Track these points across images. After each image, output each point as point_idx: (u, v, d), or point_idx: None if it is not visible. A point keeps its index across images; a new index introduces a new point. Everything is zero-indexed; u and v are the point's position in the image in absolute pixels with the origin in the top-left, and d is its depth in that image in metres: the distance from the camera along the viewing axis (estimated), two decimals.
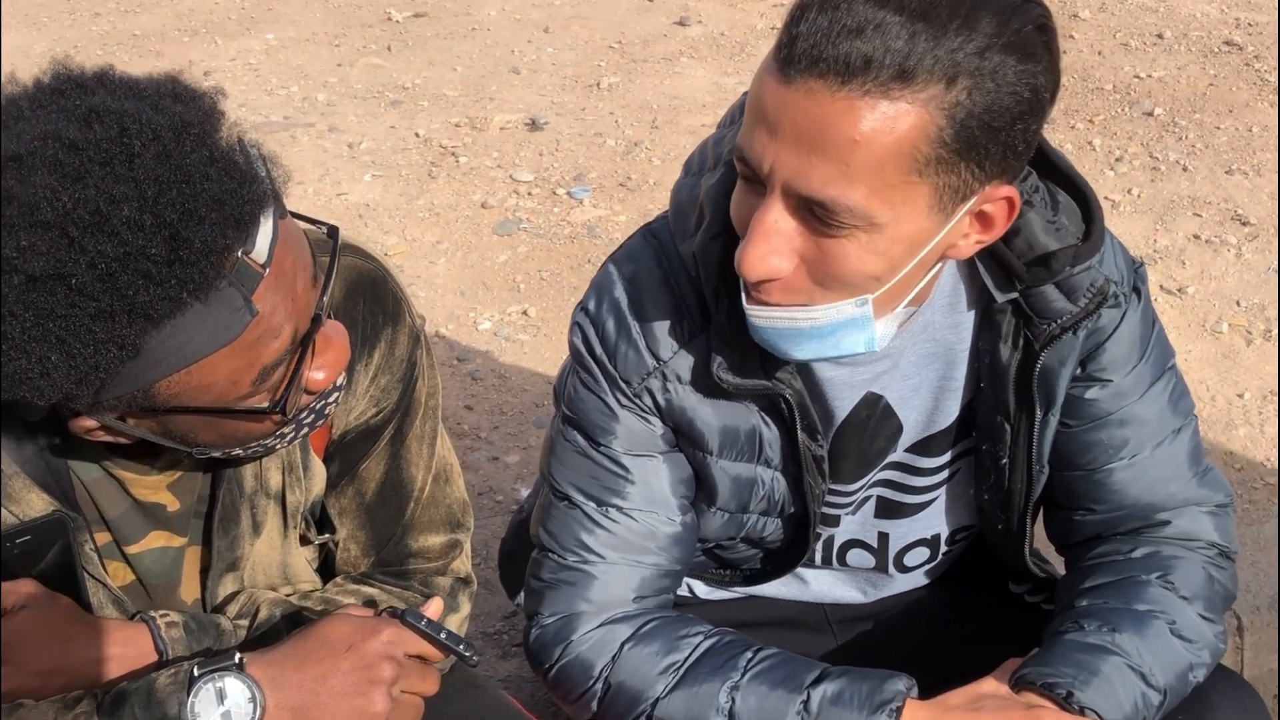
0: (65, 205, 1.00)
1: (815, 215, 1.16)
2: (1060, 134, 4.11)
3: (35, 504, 1.29)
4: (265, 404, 1.16)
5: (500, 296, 3.43)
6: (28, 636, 1.25)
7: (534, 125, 4.26)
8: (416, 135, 4.26)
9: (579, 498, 1.49)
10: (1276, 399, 3.00)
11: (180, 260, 1.02)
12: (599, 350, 1.44)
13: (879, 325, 1.26)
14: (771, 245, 1.18)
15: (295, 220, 1.18)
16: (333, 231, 1.23)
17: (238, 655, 1.25)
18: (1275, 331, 3.21)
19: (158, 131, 1.04)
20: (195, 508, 1.40)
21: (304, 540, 1.50)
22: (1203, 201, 3.75)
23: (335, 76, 4.69)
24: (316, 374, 1.21)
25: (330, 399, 1.27)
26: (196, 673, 1.23)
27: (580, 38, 4.95)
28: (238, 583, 1.44)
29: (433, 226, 3.75)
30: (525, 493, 2.76)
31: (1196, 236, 3.60)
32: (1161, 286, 3.38)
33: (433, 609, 1.36)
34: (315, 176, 4.01)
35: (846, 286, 1.21)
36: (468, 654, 1.32)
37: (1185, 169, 3.91)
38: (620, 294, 1.42)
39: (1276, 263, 3.46)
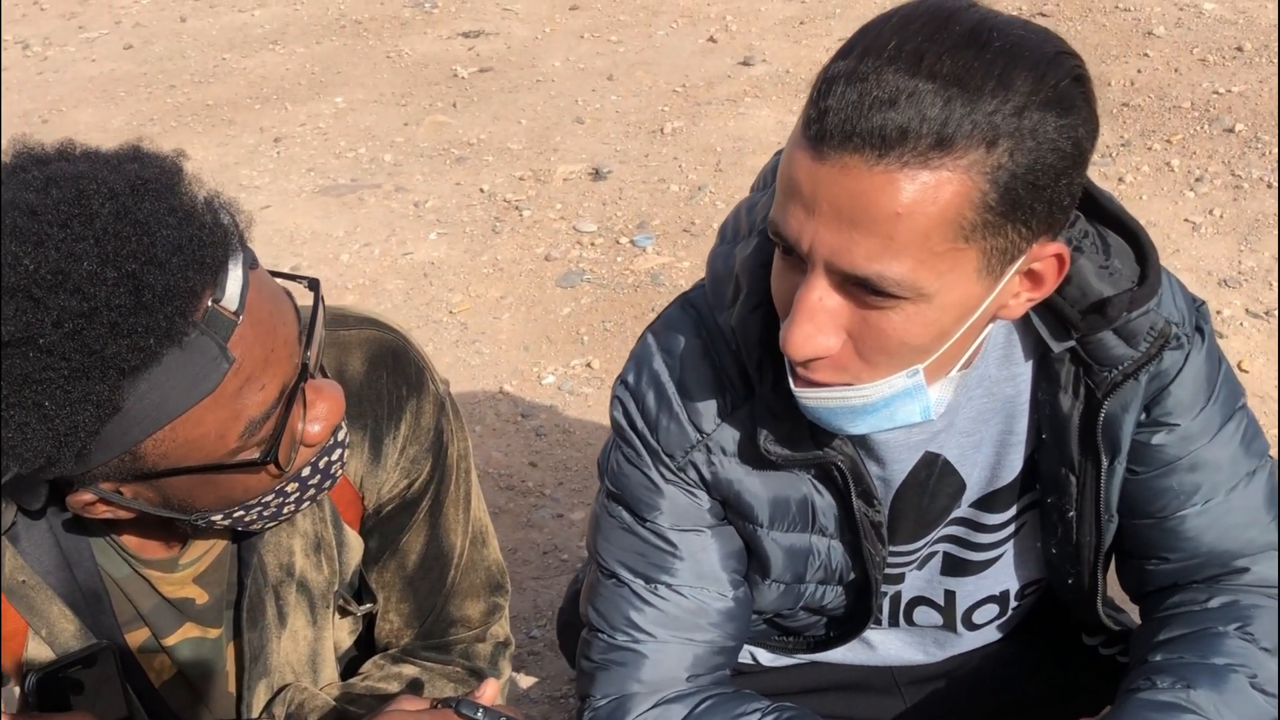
0: (28, 268, 1.00)
1: (860, 290, 1.11)
2: (1137, 155, 4.00)
3: (59, 621, 1.28)
4: (256, 456, 1.15)
5: (564, 350, 3.42)
6: None
7: (597, 175, 4.25)
8: (481, 191, 4.27)
9: (626, 575, 1.45)
10: None
11: (144, 307, 1.02)
12: (640, 424, 1.40)
13: (933, 392, 1.21)
14: (817, 324, 1.13)
15: (273, 276, 1.18)
16: (313, 284, 1.22)
17: None
18: None
19: (114, 190, 1.04)
20: (226, 597, 1.39)
21: (344, 611, 1.48)
22: None
23: (402, 136, 4.74)
24: (312, 426, 1.19)
25: (333, 456, 1.25)
26: None
27: (644, 84, 4.94)
28: (269, 688, 1.42)
29: (496, 282, 3.75)
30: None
31: None
32: (1248, 310, 3.26)
33: (488, 694, 1.33)
34: (382, 237, 4.04)
35: (894, 359, 1.16)
36: None
37: (1270, 186, 3.78)
38: (660, 366, 1.38)
39: None
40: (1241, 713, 1.33)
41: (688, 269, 3.69)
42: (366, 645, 1.58)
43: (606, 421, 3.09)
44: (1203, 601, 1.43)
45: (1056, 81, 1.06)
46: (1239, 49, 4.60)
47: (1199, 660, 1.37)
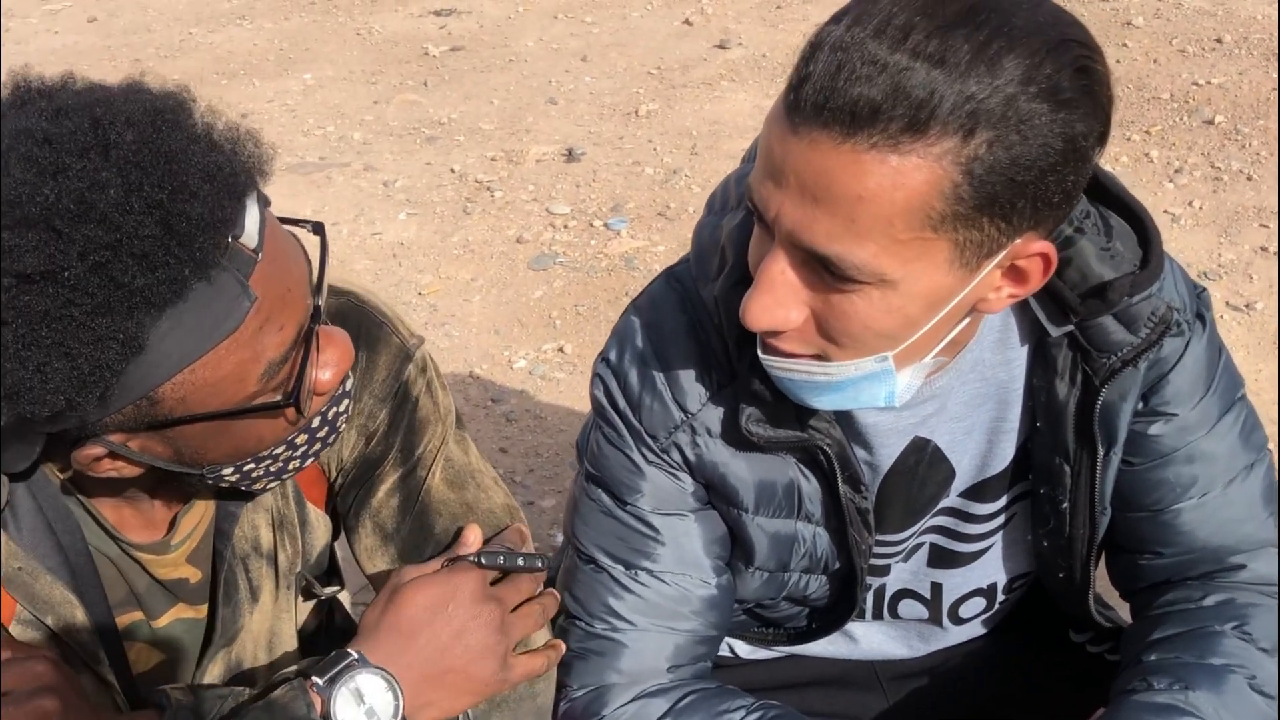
0: (48, 198, 0.95)
1: (823, 269, 1.07)
2: (1116, 146, 3.97)
3: (64, 606, 1.22)
4: (276, 399, 1.11)
5: (536, 334, 3.36)
6: None
7: (571, 156, 4.20)
8: (452, 171, 4.21)
9: (606, 560, 1.40)
10: None
11: (175, 237, 0.98)
12: (622, 403, 1.35)
13: (902, 378, 1.16)
14: (776, 297, 1.10)
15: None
16: (318, 227, 1.19)
17: (354, 651, 1.22)
18: None
19: (131, 118, 1.00)
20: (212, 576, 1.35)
21: (309, 594, 1.43)
22: (1269, 212, 3.59)
23: (371, 114, 4.66)
24: (323, 373, 1.16)
25: (340, 407, 1.22)
26: (322, 681, 1.20)
27: (619, 65, 4.88)
28: (226, 661, 1.36)
29: (467, 263, 3.69)
30: (562, 539, 2.66)
31: (1264, 249, 3.44)
32: (1228, 303, 3.23)
33: (472, 539, 1.35)
34: (350, 216, 3.97)
35: (858, 343, 1.12)
36: (540, 565, 1.33)
37: (1250, 178, 3.76)
38: (643, 343, 1.34)
39: None
40: (1240, 715, 1.30)
41: (662, 253, 3.64)
42: (331, 633, 1.54)
43: (579, 407, 3.04)
44: (1198, 599, 1.40)
45: (1054, 71, 1.00)
46: (1218, 40, 4.58)
47: (1196, 660, 1.34)
